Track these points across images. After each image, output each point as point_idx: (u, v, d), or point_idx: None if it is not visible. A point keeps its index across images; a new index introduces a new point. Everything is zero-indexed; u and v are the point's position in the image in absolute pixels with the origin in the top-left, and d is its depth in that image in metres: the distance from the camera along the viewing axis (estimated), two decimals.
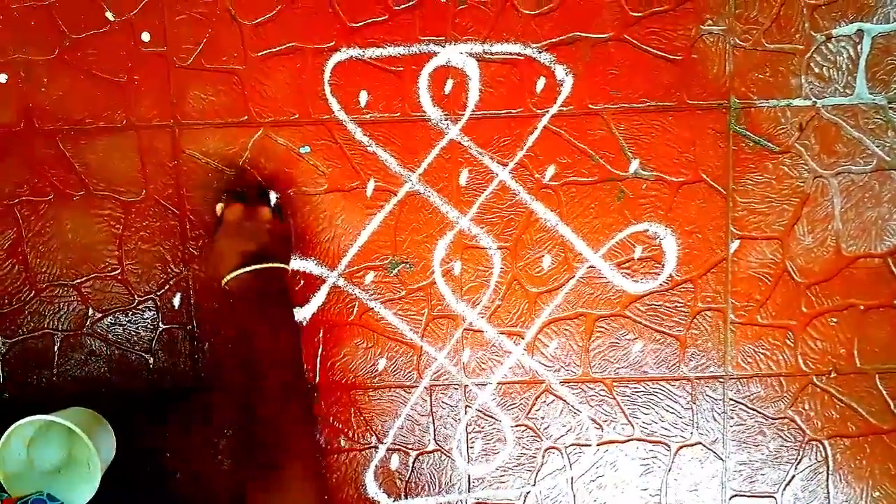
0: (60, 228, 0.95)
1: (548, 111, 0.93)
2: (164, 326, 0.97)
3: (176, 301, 0.96)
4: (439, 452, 0.99)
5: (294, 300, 0.96)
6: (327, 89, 0.93)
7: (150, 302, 0.97)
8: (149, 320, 0.97)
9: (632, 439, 0.99)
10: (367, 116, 0.93)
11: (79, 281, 0.96)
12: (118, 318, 0.97)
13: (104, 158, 0.94)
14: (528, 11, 0.92)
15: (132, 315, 0.97)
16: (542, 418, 0.98)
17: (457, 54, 0.93)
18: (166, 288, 0.96)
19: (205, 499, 0.98)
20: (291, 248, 0.92)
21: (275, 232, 0.85)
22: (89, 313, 0.96)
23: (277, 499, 0.73)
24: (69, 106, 0.93)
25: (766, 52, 0.92)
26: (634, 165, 0.94)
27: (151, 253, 0.95)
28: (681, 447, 0.99)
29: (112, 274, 0.96)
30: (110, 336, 0.97)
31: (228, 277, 0.80)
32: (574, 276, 0.96)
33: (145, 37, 0.92)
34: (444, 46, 0.92)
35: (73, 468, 0.95)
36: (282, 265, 0.83)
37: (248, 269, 0.80)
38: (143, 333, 0.97)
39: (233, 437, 0.98)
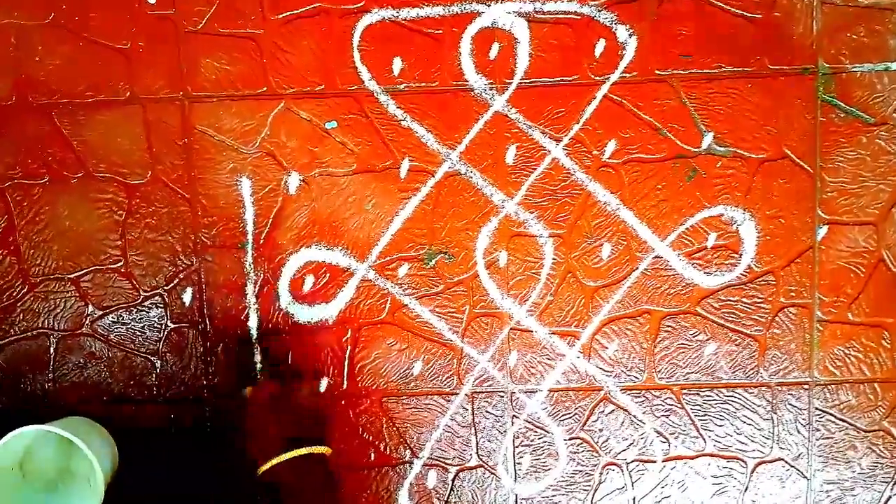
0: (56, 215, 0.92)
1: (608, 78, 0.89)
2: (172, 325, 0.93)
3: (186, 297, 0.92)
4: (482, 469, 0.94)
5: (320, 297, 0.92)
6: (356, 56, 0.89)
7: (157, 298, 0.93)
8: (155, 319, 0.93)
9: (703, 454, 0.94)
10: (402, 87, 0.89)
11: (77, 274, 0.92)
12: (121, 316, 0.93)
13: (105, 136, 0.91)
14: None
15: (137, 313, 0.93)
16: (600, 430, 0.93)
17: (504, 14, 0.88)
18: (175, 282, 0.92)
19: None
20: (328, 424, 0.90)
21: (312, 409, 0.83)
22: (89, 311, 0.93)
23: None
24: (66, 77, 0.90)
25: (859, 8, 0.87)
26: (708, 140, 0.89)
27: (158, 243, 0.92)
28: (759, 464, 0.93)
29: (114, 266, 0.92)
30: (112, 336, 0.93)
31: (264, 468, 0.76)
32: (637, 268, 0.91)
33: None
34: (489, 5, 0.88)
35: (71, 483, 0.92)
36: (323, 449, 0.80)
37: (287, 456, 0.76)
38: (150, 333, 0.93)
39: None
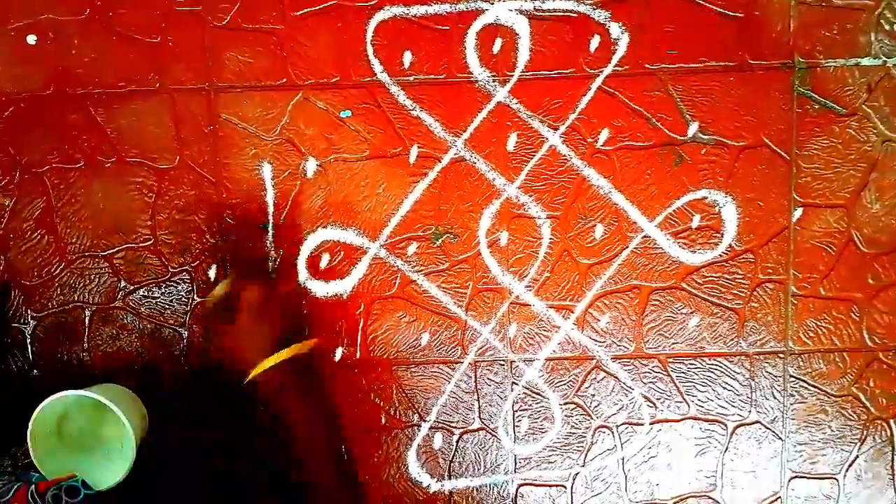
0: (91, 197, 0.93)
1: (602, 71, 0.90)
2: (199, 299, 0.95)
3: (212, 273, 0.94)
4: (484, 431, 0.97)
5: (335, 274, 0.94)
6: (370, 50, 0.91)
7: (184, 274, 0.94)
8: (183, 293, 0.95)
9: (687, 418, 0.96)
10: (411, 78, 0.91)
11: (110, 252, 0.94)
12: (151, 290, 0.95)
13: (136, 124, 0.92)
14: None
15: (166, 287, 0.95)
16: (593, 396, 0.96)
17: (506, 11, 0.89)
18: (201, 259, 0.94)
19: (242, 479, 0.95)
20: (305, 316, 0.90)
21: (292, 306, 0.83)
22: (121, 286, 0.95)
23: None
24: (100, 69, 0.91)
25: (833, 7, 0.88)
26: (693, 129, 0.91)
27: (186, 223, 0.93)
28: (738, 426, 0.96)
29: (145, 245, 0.94)
30: (143, 310, 0.95)
31: (255, 373, 0.77)
32: (628, 247, 0.93)
33: None
34: (492, 3, 0.89)
35: (104, 446, 0.93)
36: (309, 343, 0.81)
37: (277, 358, 0.77)
38: (178, 307, 0.95)
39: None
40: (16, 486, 0.78)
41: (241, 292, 0.82)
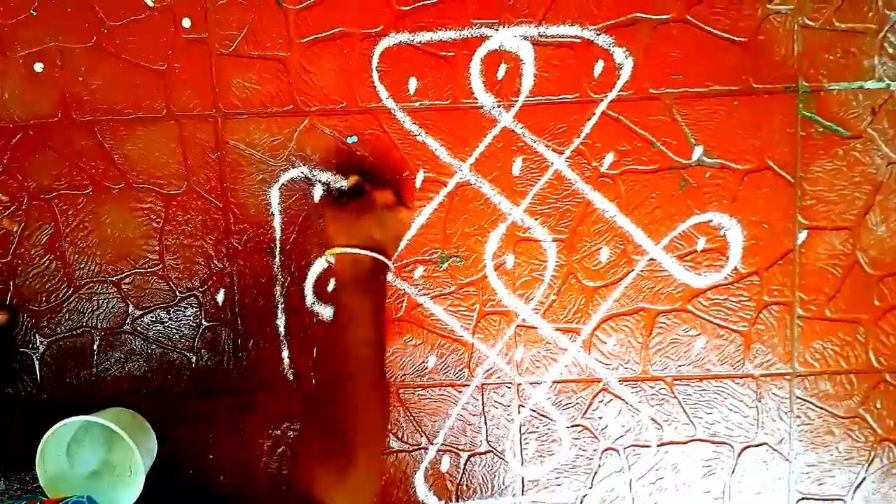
0: (99, 223, 0.94)
1: (606, 96, 0.90)
2: (206, 324, 0.95)
3: (219, 297, 0.94)
4: (492, 454, 0.97)
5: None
6: (375, 76, 0.91)
7: (192, 298, 0.95)
8: (191, 317, 0.95)
9: (694, 440, 0.96)
10: (417, 104, 0.91)
11: (118, 277, 0.95)
12: (159, 315, 0.95)
13: (144, 150, 0.92)
14: None
15: (174, 312, 0.95)
16: (600, 418, 0.96)
17: (510, 38, 0.90)
18: (209, 284, 0.94)
19: (248, 501, 0.96)
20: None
21: (400, 233, 0.86)
22: (129, 310, 0.95)
23: (339, 492, 0.72)
24: (108, 95, 0.92)
25: (836, 31, 0.89)
26: (698, 153, 0.91)
27: (194, 248, 0.94)
28: (745, 448, 0.96)
29: (153, 270, 0.94)
30: (151, 334, 0.96)
31: (339, 251, 0.80)
32: (633, 270, 0.93)
33: (186, 23, 0.90)
34: (496, 30, 0.90)
35: (113, 470, 0.94)
36: (388, 263, 0.83)
37: (361, 251, 0.79)
38: (186, 331, 0.95)
39: (280, 437, 0.96)
40: None
41: (371, 188, 0.84)
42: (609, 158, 0.92)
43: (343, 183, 0.91)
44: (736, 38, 0.89)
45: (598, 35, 0.90)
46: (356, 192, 0.87)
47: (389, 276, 0.94)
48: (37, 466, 0.85)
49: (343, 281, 0.80)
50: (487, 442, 0.97)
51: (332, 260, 0.82)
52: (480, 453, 0.97)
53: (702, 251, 0.93)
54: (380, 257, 0.80)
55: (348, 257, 0.80)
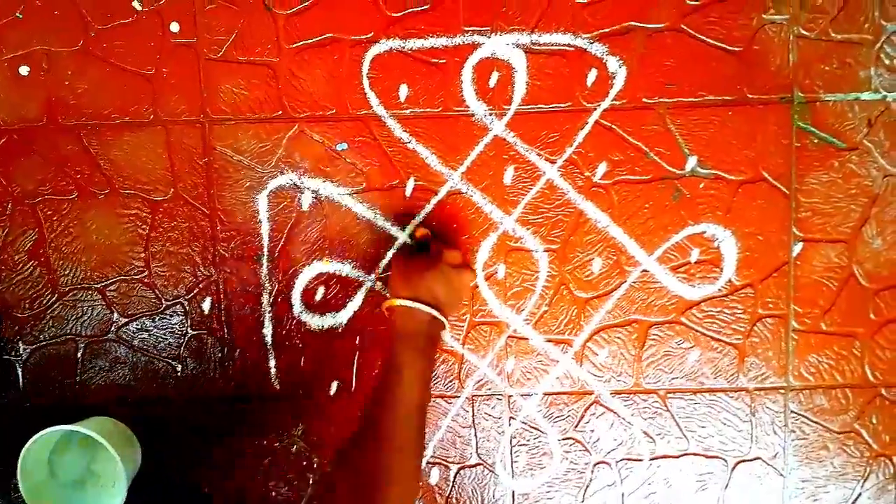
0: (84, 229, 0.93)
1: (599, 105, 0.90)
2: (192, 332, 0.94)
3: (205, 306, 0.93)
4: (482, 466, 0.96)
5: (330, 307, 0.94)
6: (366, 83, 0.90)
7: (178, 306, 0.94)
8: (176, 326, 0.94)
9: (686, 454, 0.95)
10: (408, 112, 0.90)
11: (103, 284, 0.93)
12: (144, 323, 0.94)
13: (130, 155, 0.91)
14: (579, 0, 0.88)
15: (159, 320, 0.94)
16: (592, 431, 0.95)
17: (502, 45, 0.89)
18: (195, 292, 0.93)
19: None
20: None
21: (461, 294, 0.84)
22: (114, 318, 0.94)
23: None
24: (94, 100, 0.91)
25: (832, 42, 0.88)
26: (691, 163, 0.90)
27: (180, 255, 0.93)
28: (739, 462, 0.95)
29: (138, 277, 0.93)
30: (136, 342, 0.94)
31: (401, 303, 0.78)
32: (626, 281, 0.92)
33: (174, 27, 0.90)
34: (489, 37, 0.89)
35: (96, 480, 0.93)
36: (446, 323, 0.80)
37: (422, 307, 0.77)
38: (171, 339, 0.94)
39: (266, 447, 0.94)
40: None
41: (441, 246, 0.84)
42: (602, 168, 0.91)
43: (407, 237, 0.91)
44: (731, 48, 0.89)
45: (592, 43, 0.89)
46: (423, 247, 0.87)
47: (378, 286, 0.93)
48: (18, 477, 0.84)
49: (398, 335, 0.77)
50: (478, 454, 0.95)
51: (394, 305, 0.79)
52: (470, 466, 0.96)
53: (695, 263, 0.92)
54: (439, 316, 0.78)
55: (406, 311, 0.78)
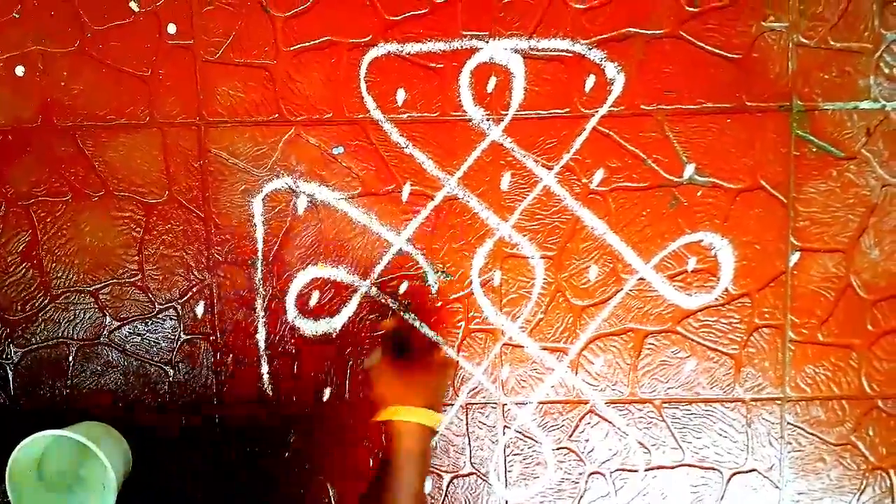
0: (78, 231, 0.92)
1: (597, 112, 0.89)
2: (185, 337, 0.93)
3: (199, 310, 0.93)
4: (475, 476, 0.95)
5: (324, 312, 0.93)
6: (363, 87, 0.90)
7: (171, 310, 0.93)
8: (169, 330, 0.93)
9: (682, 465, 0.94)
10: (405, 116, 0.90)
11: (96, 287, 0.93)
12: (137, 327, 0.93)
13: (125, 157, 0.91)
14: (577, 5, 0.88)
15: (152, 324, 0.93)
16: (586, 441, 0.94)
17: (501, 50, 0.89)
18: (189, 296, 0.93)
19: None
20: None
21: (446, 377, 0.86)
22: (106, 322, 0.93)
23: None
24: (90, 101, 0.91)
25: (831, 50, 0.88)
26: (689, 171, 0.90)
27: (174, 258, 0.92)
28: (734, 474, 0.94)
29: (131, 280, 0.93)
30: (128, 346, 0.94)
31: (399, 418, 0.74)
32: (622, 289, 0.92)
33: (171, 29, 0.89)
34: (487, 42, 0.89)
35: (86, 485, 0.92)
36: (441, 419, 0.78)
37: (411, 415, 0.74)
38: (164, 344, 0.93)
39: (258, 453, 0.93)
40: None
41: (423, 348, 0.86)
42: (599, 175, 0.90)
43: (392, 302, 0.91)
44: (730, 55, 0.88)
45: (590, 49, 0.89)
46: (398, 338, 0.86)
47: (373, 292, 0.93)
48: (6, 482, 0.84)
49: (396, 450, 0.74)
50: (471, 463, 0.94)
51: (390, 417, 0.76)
52: (463, 475, 0.95)
53: (692, 271, 0.91)
54: (428, 424, 0.75)
55: (402, 423, 0.75)
